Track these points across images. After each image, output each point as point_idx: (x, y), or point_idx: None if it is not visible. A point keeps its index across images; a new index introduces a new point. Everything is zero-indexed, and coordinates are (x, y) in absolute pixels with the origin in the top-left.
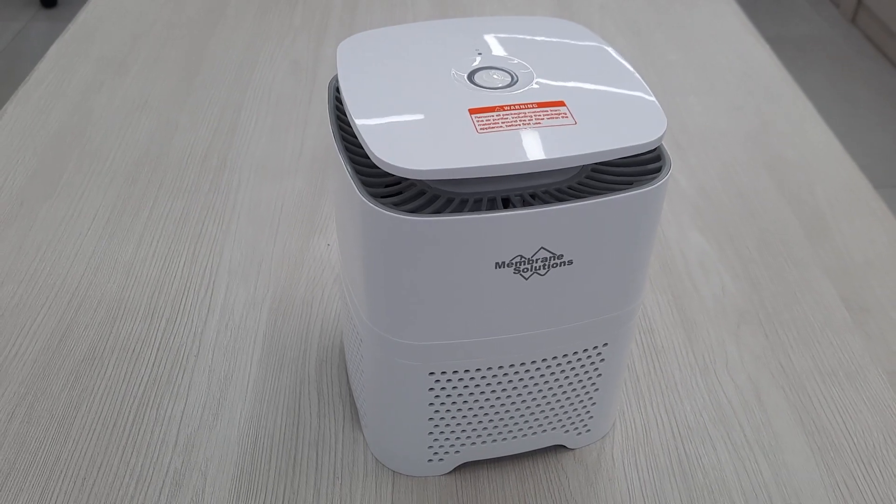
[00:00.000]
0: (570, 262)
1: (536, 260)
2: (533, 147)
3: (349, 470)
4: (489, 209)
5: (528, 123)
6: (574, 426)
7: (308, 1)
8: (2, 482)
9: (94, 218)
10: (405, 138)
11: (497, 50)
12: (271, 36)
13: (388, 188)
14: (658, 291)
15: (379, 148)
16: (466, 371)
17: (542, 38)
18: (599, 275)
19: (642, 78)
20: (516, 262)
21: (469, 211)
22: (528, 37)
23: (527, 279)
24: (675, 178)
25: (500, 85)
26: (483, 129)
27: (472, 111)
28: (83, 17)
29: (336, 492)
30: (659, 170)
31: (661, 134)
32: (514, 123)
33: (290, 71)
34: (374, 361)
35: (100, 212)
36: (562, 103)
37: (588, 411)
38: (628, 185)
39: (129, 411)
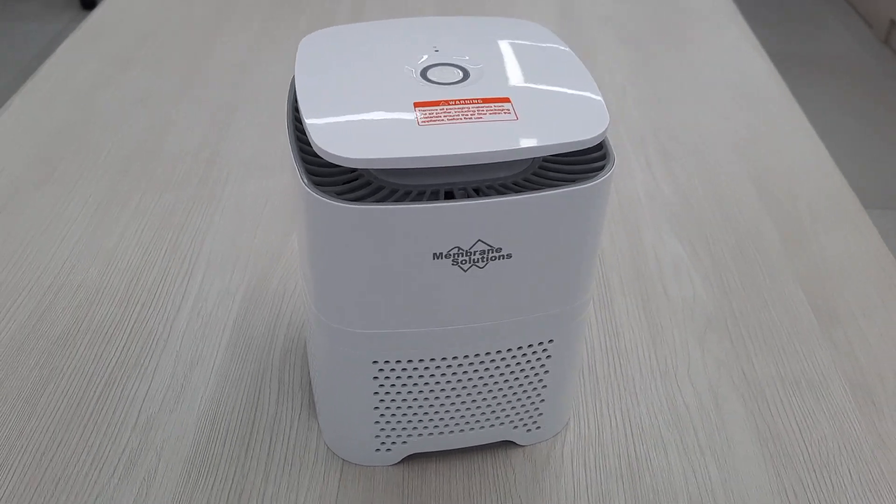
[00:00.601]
0: (509, 256)
1: (474, 252)
2: (469, 140)
3: (300, 457)
4: (430, 200)
5: (470, 118)
6: (523, 423)
7: (314, 6)
8: None
9: (84, 207)
10: (348, 129)
11: (454, 48)
12: (275, 38)
13: (337, 178)
14: (628, 295)
15: (320, 137)
16: (410, 361)
17: (502, 39)
18: (540, 270)
19: (595, 78)
20: (454, 254)
21: (407, 201)
22: (488, 37)
23: (465, 271)
24: (658, 185)
25: (450, 80)
26: (425, 121)
27: (417, 105)
28: (95, 15)
29: (285, 477)
30: (602, 167)
31: (601, 132)
32: (455, 117)
33: (289, 72)
34: (322, 349)
35: (89, 201)
36: (507, 100)
37: (537, 408)
38: (571, 181)
39: (95, 391)
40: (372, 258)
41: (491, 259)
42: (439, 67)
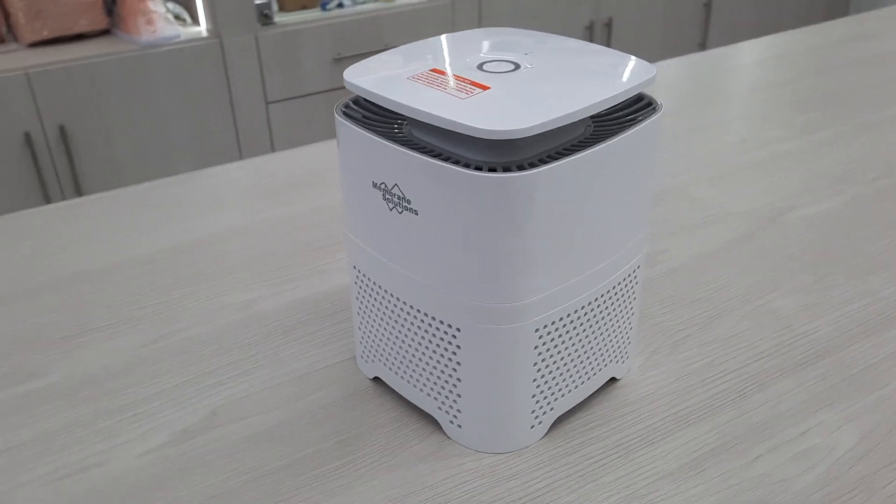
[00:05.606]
0: (416, 213)
1: (394, 195)
2: (408, 95)
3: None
4: (382, 137)
5: (440, 87)
6: (446, 408)
7: None
8: None
9: None
10: (369, 69)
11: (541, 56)
12: None
13: (388, 119)
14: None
15: (350, 70)
16: (370, 280)
17: (593, 63)
18: (443, 244)
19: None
20: (382, 189)
21: (368, 132)
22: (584, 59)
23: (390, 210)
24: None
25: (488, 70)
26: (411, 79)
27: (432, 70)
28: None
29: (321, 351)
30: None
31: (499, 129)
32: (434, 84)
33: None
34: None
35: None
36: (485, 87)
37: (455, 402)
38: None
39: (308, 263)
40: (346, 169)
41: (405, 208)
42: (500, 62)
